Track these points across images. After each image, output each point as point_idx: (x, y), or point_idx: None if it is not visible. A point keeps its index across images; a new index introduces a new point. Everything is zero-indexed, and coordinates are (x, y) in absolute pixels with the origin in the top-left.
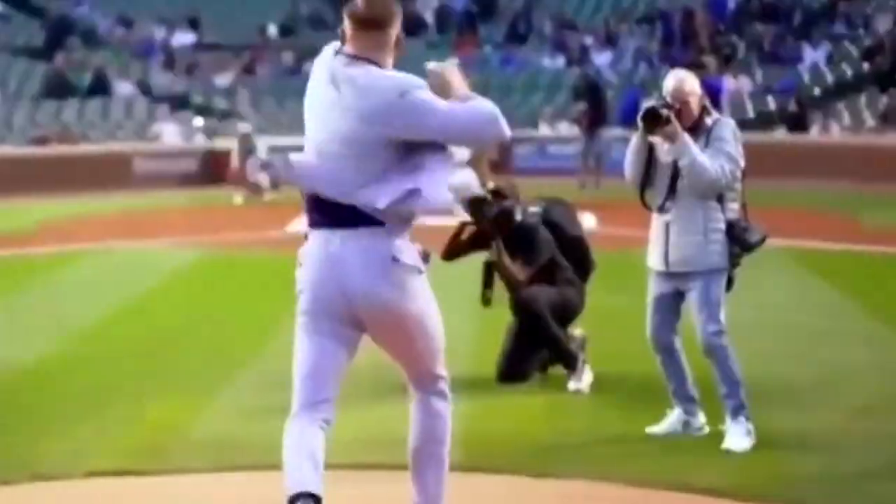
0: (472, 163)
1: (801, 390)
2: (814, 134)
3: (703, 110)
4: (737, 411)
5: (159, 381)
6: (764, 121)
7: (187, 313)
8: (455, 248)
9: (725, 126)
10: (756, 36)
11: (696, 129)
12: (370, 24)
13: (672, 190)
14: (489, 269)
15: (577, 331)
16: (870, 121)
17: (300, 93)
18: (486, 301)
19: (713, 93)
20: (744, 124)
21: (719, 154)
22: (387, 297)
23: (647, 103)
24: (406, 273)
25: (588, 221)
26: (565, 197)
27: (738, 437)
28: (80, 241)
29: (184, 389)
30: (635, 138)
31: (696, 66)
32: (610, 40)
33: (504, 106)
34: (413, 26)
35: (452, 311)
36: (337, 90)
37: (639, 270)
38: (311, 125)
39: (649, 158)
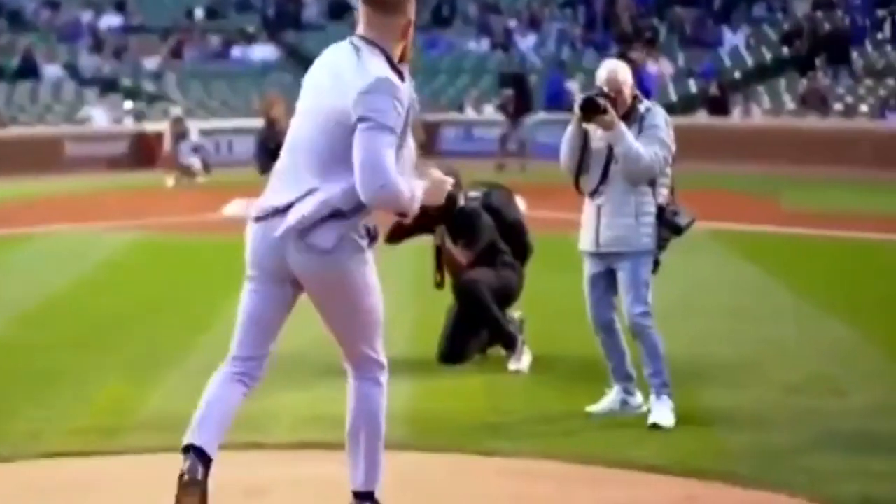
0: (276, 112)
1: (733, 369)
2: (735, 117)
3: (635, 98)
4: (661, 390)
5: (107, 364)
6: (686, 104)
7: (130, 297)
8: (399, 232)
9: (657, 113)
10: (677, 19)
11: (629, 116)
12: (376, 5)
13: (605, 175)
14: (439, 253)
15: (515, 313)
16: (789, 104)
17: (227, 76)
18: (439, 284)
19: (645, 83)
20: (667, 108)
21: (653, 141)
22: (310, 257)
23: (584, 93)
24: (336, 240)
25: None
26: (487, 178)
27: (663, 413)
28: (15, 225)
29: (132, 371)
30: (571, 126)
31: (626, 61)
32: (534, 24)
33: (430, 89)
34: (339, 9)
35: (394, 293)
36: (334, 69)
37: (568, 253)
38: (306, 100)
39: (584, 145)
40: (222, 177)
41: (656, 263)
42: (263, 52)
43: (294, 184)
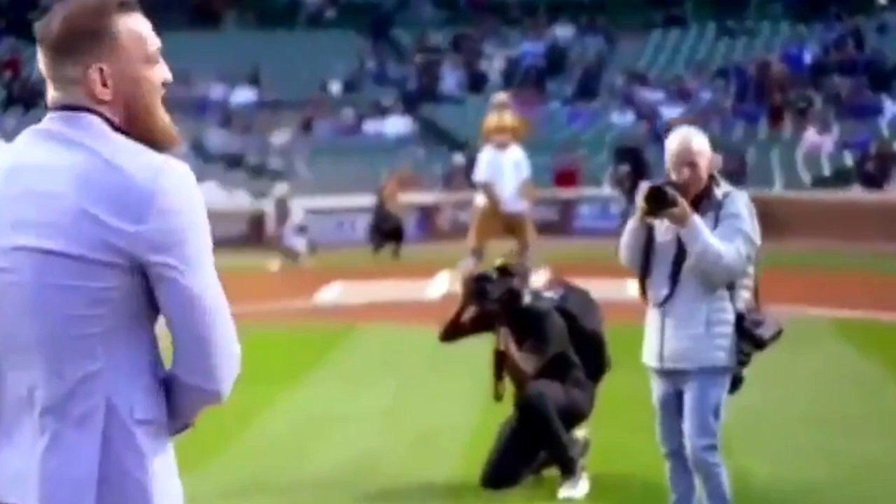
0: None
1: (824, 494)
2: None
3: (712, 179)
4: None
5: None
6: (841, 178)
7: None
8: (455, 329)
9: (739, 199)
10: (833, 88)
11: (704, 201)
12: (48, 47)
13: (675, 277)
14: (499, 359)
15: (580, 432)
16: None
17: (359, 151)
18: (498, 396)
19: None
20: (819, 182)
21: (734, 234)
22: None
23: (650, 181)
24: None
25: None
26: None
27: None
28: None
29: None
30: (632, 221)
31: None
32: (682, 95)
33: (565, 163)
34: (477, 81)
35: (447, 400)
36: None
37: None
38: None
39: (648, 242)
40: (327, 258)
41: (736, 382)
42: (397, 125)
43: None
